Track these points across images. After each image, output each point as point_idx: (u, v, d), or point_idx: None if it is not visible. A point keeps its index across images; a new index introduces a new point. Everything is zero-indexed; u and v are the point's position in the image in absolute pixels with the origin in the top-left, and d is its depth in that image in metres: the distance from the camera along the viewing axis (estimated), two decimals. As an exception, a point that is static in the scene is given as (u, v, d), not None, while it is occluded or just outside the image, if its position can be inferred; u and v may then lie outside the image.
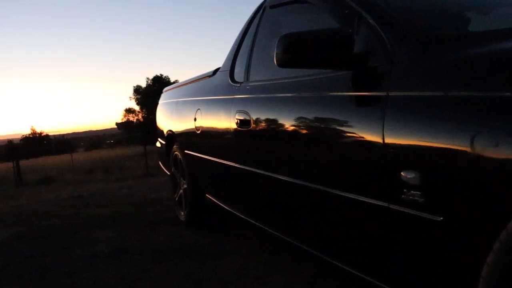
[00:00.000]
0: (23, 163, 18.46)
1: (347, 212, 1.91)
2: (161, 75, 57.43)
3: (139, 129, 46.42)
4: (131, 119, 57.61)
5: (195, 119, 3.68)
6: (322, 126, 2.05)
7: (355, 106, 1.83)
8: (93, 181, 13.04)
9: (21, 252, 4.08)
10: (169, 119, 4.60)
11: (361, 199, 1.73)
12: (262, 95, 2.67)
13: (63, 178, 15.64)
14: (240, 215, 3.11)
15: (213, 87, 3.54)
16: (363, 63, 1.82)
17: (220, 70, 3.57)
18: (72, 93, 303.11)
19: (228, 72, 3.31)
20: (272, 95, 2.55)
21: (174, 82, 56.51)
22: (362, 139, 1.72)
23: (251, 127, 2.65)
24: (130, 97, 57.15)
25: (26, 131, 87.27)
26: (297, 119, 2.24)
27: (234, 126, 2.87)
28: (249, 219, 2.99)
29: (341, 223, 2.01)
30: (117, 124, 59.99)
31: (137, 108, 57.01)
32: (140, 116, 56.75)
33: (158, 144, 5.41)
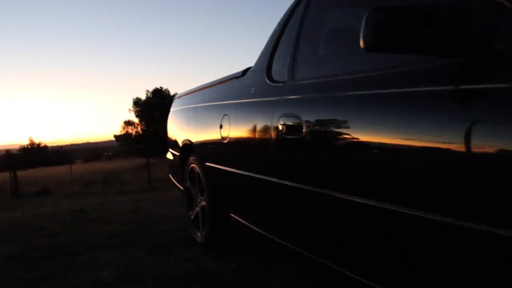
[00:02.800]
0: (20, 173, 17.89)
1: (447, 247, 1.40)
2: (161, 87, 57.33)
3: (140, 141, 46.01)
4: (130, 131, 57.23)
5: (221, 126, 3.18)
6: (410, 131, 1.53)
7: (469, 104, 1.32)
8: (93, 194, 12.49)
9: (15, 276, 3.56)
10: (185, 127, 4.09)
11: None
12: (318, 95, 2.16)
13: (61, 190, 15.07)
14: (278, 240, 2.59)
15: (244, 89, 3.04)
16: (485, 46, 1.33)
17: (252, 69, 3.08)
18: (70, 105, 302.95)
19: (265, 71, 2.82)
20: (334, 94, 2.04)
21: (174, 95, 56.82)
22: (480, 150, 1.22)
23: (302, 134, 2.14)
24: (130, 110, 56.90)
25: (24, 141, 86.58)
26: (372, 123, 1.72)
27: (277, 133, 2.37)
28: (291, 246, 2.46)
29: (431, 258, 1.49)
30: (115, 136, 59.60)
31: (136, 120, 56.69)
32: (139, 129, 56.39)
33: (169, 156, 4.90)
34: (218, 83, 3.61)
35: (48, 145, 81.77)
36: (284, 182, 2.34)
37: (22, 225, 5.84)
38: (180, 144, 4.16)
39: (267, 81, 2.73)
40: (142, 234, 4.65)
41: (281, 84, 2.55)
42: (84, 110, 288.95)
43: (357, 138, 1.79)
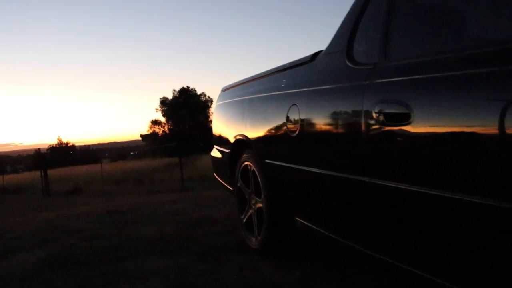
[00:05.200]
0: (50, 172, 17.78)
1: None
2: (188, 87, 57.29)
3: (167, 140, 46.01)
4: (157, 130, 57.37)
5: (287, 118, 2.78)
6: None
7: None
8: (124, 193, 12.24)
9: (54, 285, 3.22)
10: (238, 121, 3.70)
11: None
12: (430, 75, 1.74)
13: (92, 189, 14.89)
14: (366, 251, 2.18)
15: (317, 75, 2.64)
16: None
17: (325, 53, 2.67)
18: (98, 105, 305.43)
19: (344, 53, 2.41)
20: (452, 73, 1.63)
21: (201, 94, 56.85)
22: None
23: (411, 123, 1.73)
24: (157, 109, 57.04)
25: (52, 141, 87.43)
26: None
27: (371, 122, 1.97)
28: (384, 257, 2.05)
29: None
30: (142, 135, 59.81)
31: (163, 119, 56.79)
32: (166, 128, 56.46)
33: (215, 153, 4.52)
34: (279, 71, 3.21)
35: (76, 144, 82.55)
36: (379, 182, 1.93)
37: (57, 226, 5.53)
38: (232, 140, 3.78)
39: (349, 64, 2.33)
40: (187, 238, 4.28)
41: (371, 66, 2.14)
42: (111, 109, 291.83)
43: (488, 126, 1.39)
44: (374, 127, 1.96)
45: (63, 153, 65.76)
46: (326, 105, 2.43)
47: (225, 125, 4.17)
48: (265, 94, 3.25)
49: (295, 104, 2.72)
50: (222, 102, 4.32)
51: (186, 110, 53.52)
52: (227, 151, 3.98)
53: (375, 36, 2.21)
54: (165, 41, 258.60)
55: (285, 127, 2.81)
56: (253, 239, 3.53)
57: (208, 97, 57.64)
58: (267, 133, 3.15)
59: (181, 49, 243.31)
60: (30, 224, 5.96)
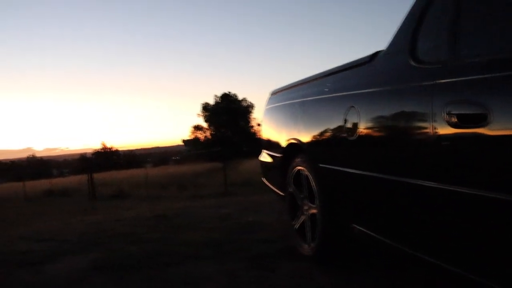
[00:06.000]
0: (95, 176, 18.03)
1: None
2: (229, 92, 57.55)
3: (209, 145, 46.34)
4: (199, 136, 57.82)
5: (345, 121, 2.67)
6: None
7: None
8: (169, 198, 12.28)
9: (105, 290, 3.20)
10: (290, 125, 3.61)
11: None
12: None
13: (137, 193, 15.01)
14: (432, 260, 2.05)
15: (377, 75, 2.52)
16: None
17: (385, 52, 2.55)
18: (141, 110, 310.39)
19: (406, 52, 2.29)
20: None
21: (242, 100, 57.00)
22: None
23: (488, 124, 1.61)
24: (198, 114, 57.49)
25: (97, 146, 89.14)
26: None
27: (442, 124, 1.85)
28: (460, 271, 1.92)
29: None
30: (184, 141, 60.30)
31: (205, 125, 57.22)
32: (208, 133, 56.84)
33: (264, 158, 4.44)
34: (334, 72, 3.10)
35: (120, 149, 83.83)
36: (452, 188, 1.81)
37: (105, 229, 5.54)
38: (283, 144, 3.69)
39: (413, 63, 2.21)
40: (236, 243, 4.21)
41: (438, 65, 2.02)
42: (154, 115, 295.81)
43: None
44: (444, 129, 1.85)
45: (107, 158, 66.77)
46: (388, 107, 2.32)
47: (275, 129, 4.09)
48: (319, 97, 3.15)
49: (353, 107, 2.61)
50: (272, 106, 4.24)
51: (227, 115, 53.76)
52: (278, 155, 3.89)
53: (442, 33, 2.09)
54: (207, 47, 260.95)
55: (342, 131, 2.71)
56: (306, 246, 3.44)
57: (250, 102, 57.81)
58: (322, 137, 3.04)
59: (222, 54, 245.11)
60: (78, 227, 6.00)
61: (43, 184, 25.16)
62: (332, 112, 2.87)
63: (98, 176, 19.49)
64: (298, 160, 3.46)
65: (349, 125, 2.63)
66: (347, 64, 2.94)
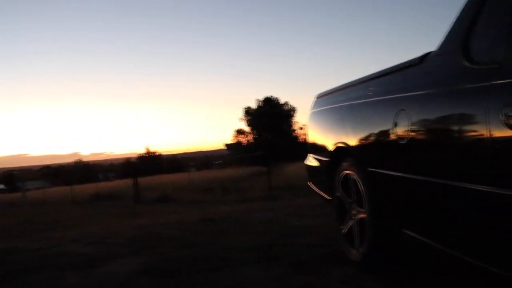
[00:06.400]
0: (139, 180, 18.31)
1: None
2: (271, 96, 57.54)
3: (251, 149, 46.47)
4: (241, 140, 58.03)
5: (395, 125, 2.62)
6: None
7: None
8: (213, 202, 12.35)
9: (154, 293, 3.22)
10: (337, 128, 3.58)
11: None
12: None
13: (180, 197, 15.17)
14: (493, 269, 1.99)
15: (428, 77, 2.46)
16: None
17: (436, 53, 2.49)
18: (183, 114, 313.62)
19: (459, 52, 2.22)
20: None
21: (284, 104, 56.96)
22: None
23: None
24: (241, 119, 57.69)
25: (141, 150, 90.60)
26: None
27: (500, 126, 1.79)
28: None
29: None
30: (226, 144, 60.61)
31: (247, 129, 57.38)
32: (250, 137, 56.98)
33: (310, 162, 4.41)
34: (382, 75, 3.05)
35: (163, 153, 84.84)
36: (510, 193, 1.74)
37: (151, 233, 5.61)
38: (330, 148, 3.65)
39: (467, 63, 2.14)
40: (282, 248, 4.19)
41: (495, 66, 1.95)
42: (196, 119, 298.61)
43: None
44: (501, 131, 1.78)
45: (150, 162, 67.67)
46: (441, 109, 2.25)
47: (322, 133, 4.05)
48: (368, 100, 3.10)
49: (403, 109, 2.56)
50: (318, 109, 4.21)
51: (269, 119, 53.78)
52: (325, 159, 3.85)
53: (499, 32, 2.02)
54: (249, 51, 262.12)
55: (392, 134, 2.66)
56: (354, 251, 3.39)
57: (291, 106, 57.72)
58: (371, 140, 3.00)
59: (265, 58, 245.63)
60: (126, 231, 6.09)
61: (89, 188, 25.78)
62: (381, 115, 2.82)
63: (143, 180, 19.82)
64: (346, 164, 3.41)
65: (399, 128, 2.58)
66: (396, 66, 2.89)
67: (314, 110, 4.33)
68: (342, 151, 3.46)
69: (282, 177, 17.29)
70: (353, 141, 3.24)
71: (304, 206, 7.05)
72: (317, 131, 4.21)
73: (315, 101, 4.41)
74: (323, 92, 4.30)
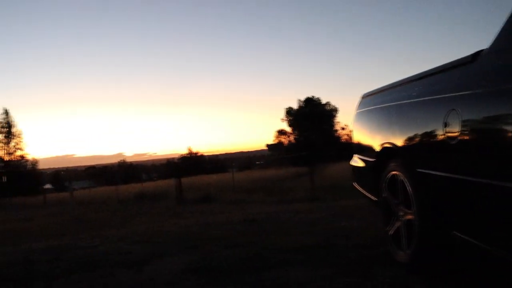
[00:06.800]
0: (182, 180, 18.52)
1: None
2: (313, 96, 57.38)
3: (292, 150, 46.43)
4: (283, 140, 58.05)
5: (445, 125, 2.58)
6: None
7: None
8: (256, 202, 12.39)
9: (201, 292, 3.26)
10: (385, 128, 3.54)
11: None
12: None
13: (223, 197, 15.27)
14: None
15: (481, 76, 2.41)
16: None
17: (489, 51, 2.44)
18: (224, 115, 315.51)
19: (514, 50, 2.18)
20: None
21: (325, 104, 56.70)
22: None
23: None
24: (282, 119, 57.72)
25: (183, 151, 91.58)
26: None
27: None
28: None
29: None
30: (268, 145, 60.76)
31: (288, 129, 57.38)
32: (292, 138, 56.95)
33: (355, 162, 4.38)
34: (431, 74, 3.00)
35: (205, 154, 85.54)
36: None
37: (197, 233, 5.68)
38: (377, 148, 3.62)
39: (522, 62, 2.09)
40: (328, 249, 4.17)
41: None
42: (238, 119, 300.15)
43: None
44: None
45: (193, 162, 68.30)
46: (494, 109, 2.20)
47: (368, 133, 4.02)
48: (416, 100, 3.05)
49: (454, 109, 2.51)
50: (363, 110, 4.17)
51: (311, 119, 53.64)
52: (371, 160, 3.82)
53: None
54: (291, 51, 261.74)
55: (442, 134, 2.61)
56: (401, 252, 3.34)
57: (333, 106, 57.43)
58: (420, 141, 2.95)
59: (306, 58, 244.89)
60: (171, 230, 6.19)
61: (133, 188, 26.24)
62: (431, 115, 2.78)
63: (185, 180, 20.06)
64: (393, 164, 3.37)
65: (450, 128, 2.53)
66: (446, 64, 2.84)
67: (360, 110, 4.29)
68: (389, 152, 3.42)
69: (325, 177, 17.20)
70: (401, 141, 3.20)
71: (348, 207, 7.01)
72: (363, 131, 4.18)
73: (361, 101, 4.37)
74: (368, 92, 4.27)
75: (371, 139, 3.87)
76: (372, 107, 3.92)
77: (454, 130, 2.48)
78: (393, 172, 3.37)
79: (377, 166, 3.67)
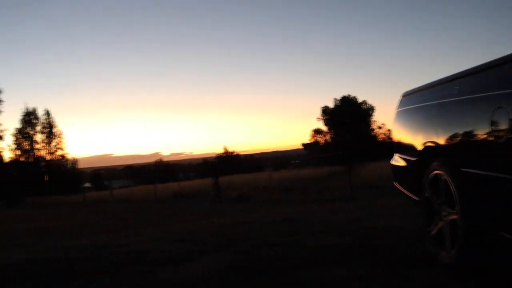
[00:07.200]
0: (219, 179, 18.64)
1: None
2: (349, 95, 56.95)
3: (328, 149, 46.22)
4: (319, 139, 57.76)
5: (491, 123, 2.51)
6: None
7: None
8: (293, 201, 12.38)
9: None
10: (427, 127, 3.48)
11: None
12: None
13: (259, 197, 15.31)
14: None
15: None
16: None
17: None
18: (260, 114, 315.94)
19: None
20: None
21: (362, 103, 56.17)
22: None
23: None
24: (318, 118, 57.42)
25: (219, 150, 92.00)
26: None
27: None
28: None
29: None
30: (303, 144, 60.54)
31: (324, 128, 57.06)
32: (328, 137, 56.61)
33: (396, 161, 4.31)
34: (475, 72, 2.93)
35: (241, 153, 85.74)
36: None
37: (235, 232, 5.70)
38: (419, 147, 3.56)
39: None
40: (367, 248, 4.12)
41: None
42: (273, 118, 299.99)
43: None
44: None
45: (229, 162, 68.60)
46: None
47: (409, 132, 3.95)
48: (460, 98, 2.99)
49: (501, 107, 2.45)
50: (404, 108, 4.11)
51: (347, 118, 53.22)
52: (413, 159, 3.76)
53: None
54: (327, 49, 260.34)
55: (488, 132, 2.55)
56: (444, 253, 3.28)
57: (370, 105, 56.88)
58: (464, 139, 2.89)
59: (343, 56, 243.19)
60: (209, 229, 6.23)
61: (171, 187, 26.54)
62: (476, 113, 2.72)
63: (222, 179, 20.18)
64: (435, 163, 3.31)
65: (497, 126, 2.47)
66: (491, 62, 2.77)
67: (400, 109, 4.24)
68: (432, 151, 3.36)
69: (362, 177, 17.07)
70: (444, 140, 3.14)
71: (387, 207, 6.92)
72: (404, 130, 4.12)
73: (401, 100, 4.31)
74: (409, 91, 4.20)
75: (412, 138, 3.81)
76: (413, 106, 3.86)
77: (502, 128, 2.42)
78: (436, 172, 3.31)
79: (419, 165, 3.61)
